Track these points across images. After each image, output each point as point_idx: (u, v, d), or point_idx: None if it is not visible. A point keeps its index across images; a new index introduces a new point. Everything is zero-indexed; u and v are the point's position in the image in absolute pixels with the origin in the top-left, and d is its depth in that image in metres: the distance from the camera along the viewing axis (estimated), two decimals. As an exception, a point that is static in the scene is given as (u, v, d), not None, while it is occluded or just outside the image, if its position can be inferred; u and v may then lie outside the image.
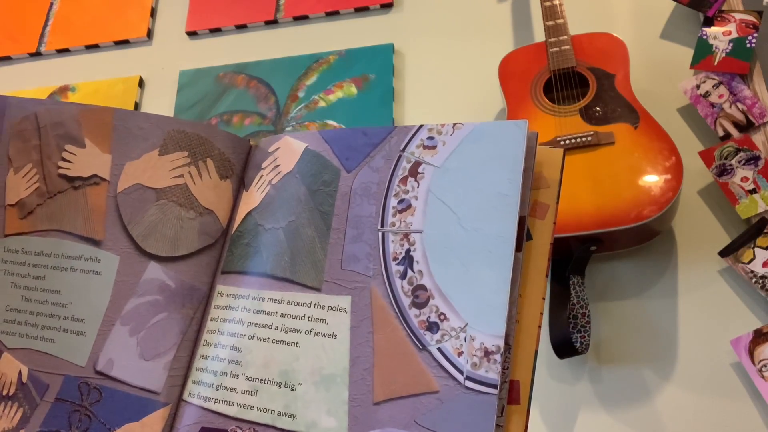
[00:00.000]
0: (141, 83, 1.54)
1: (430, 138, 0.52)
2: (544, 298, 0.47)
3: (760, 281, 1.02)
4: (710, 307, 1.07)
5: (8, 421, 0.52)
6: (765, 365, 0.98)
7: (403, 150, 0.53)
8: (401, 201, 0.51)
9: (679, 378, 1.04)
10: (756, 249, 1.04)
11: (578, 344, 1.02)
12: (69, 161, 0.57)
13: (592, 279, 1.13)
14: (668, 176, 1.04)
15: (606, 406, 1.04)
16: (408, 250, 0.50)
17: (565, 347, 1.03)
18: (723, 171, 1.10)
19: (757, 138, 1.11)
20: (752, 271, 1.03)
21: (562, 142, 1.11)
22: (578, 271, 1.08)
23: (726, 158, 1.11)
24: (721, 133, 1.14)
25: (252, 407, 0.50)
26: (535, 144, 0.49)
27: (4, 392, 0.53)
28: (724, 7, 1.21)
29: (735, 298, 1.07)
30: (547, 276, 0.48)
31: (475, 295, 0.47)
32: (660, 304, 1.09)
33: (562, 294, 1.08)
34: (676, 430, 1.01)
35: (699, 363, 1.04)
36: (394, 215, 0.51)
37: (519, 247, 0.48)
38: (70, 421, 0.51)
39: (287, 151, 0.56)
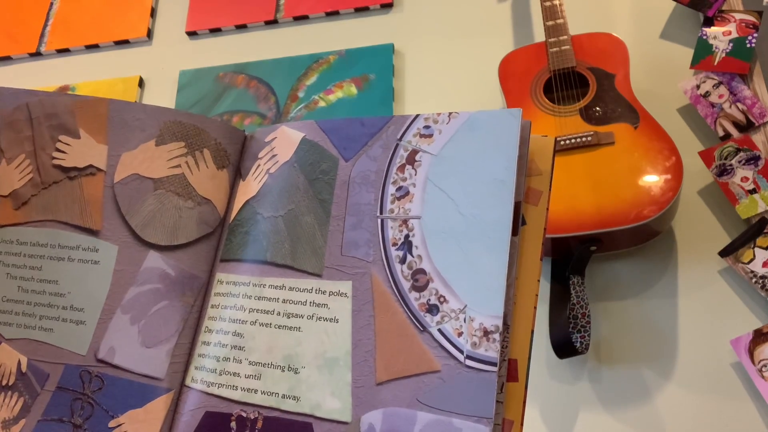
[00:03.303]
0: (141, 83, 1.54)
1: (427, 127, 0.53)
2: (539, 281, 0.48)
3: (760, 281, 1.02)
4: (710, 307, 1.07)
5: (9, 411, 0.52)
6: (765, 365, 0.98)
7: (400, 139, 0.54)
8: (399, 188, 0.52)
9: (679, 378, 1.03)
10: (756, 249, 1.04)
11: (578, 344, 1.02)
12: (63, 152, 0.57)
13: (592, 279, 1.13)
14: (668, 176, 1.04)
15: (606, 406, 1.04)
16: (407, 236, 0.51)
17: (565, 347, 1.03)
18: (723, 171, 1.10)
19: (757, 138, 1.11)
20: (752, 271, 1.03)
21: (563, 142, 1.11)
22: (578, 271, 1.08)
23: (726, 158, 1.11)
24: (721, 133, 1.14)
25: (256, 391, 0.50)
26: (529, 132, 0.51)
27: (3, 382, 0.52)
28: (724, 7, 1.21)
29: (735, 298, 1.07)
30: (541, 260, 0.49)
31: (473, 277, 0.48)
32: (660, 304, 1.09)
33: (562, 294, 1.07)
34: (676, 430, 1.00)
35: (699, 363, 1.04)
36: (392, 202, 0.52)
37: (515, 232, 0.49)
38: (72, 409, 0.51)
39: (284, 141, 0.56)
